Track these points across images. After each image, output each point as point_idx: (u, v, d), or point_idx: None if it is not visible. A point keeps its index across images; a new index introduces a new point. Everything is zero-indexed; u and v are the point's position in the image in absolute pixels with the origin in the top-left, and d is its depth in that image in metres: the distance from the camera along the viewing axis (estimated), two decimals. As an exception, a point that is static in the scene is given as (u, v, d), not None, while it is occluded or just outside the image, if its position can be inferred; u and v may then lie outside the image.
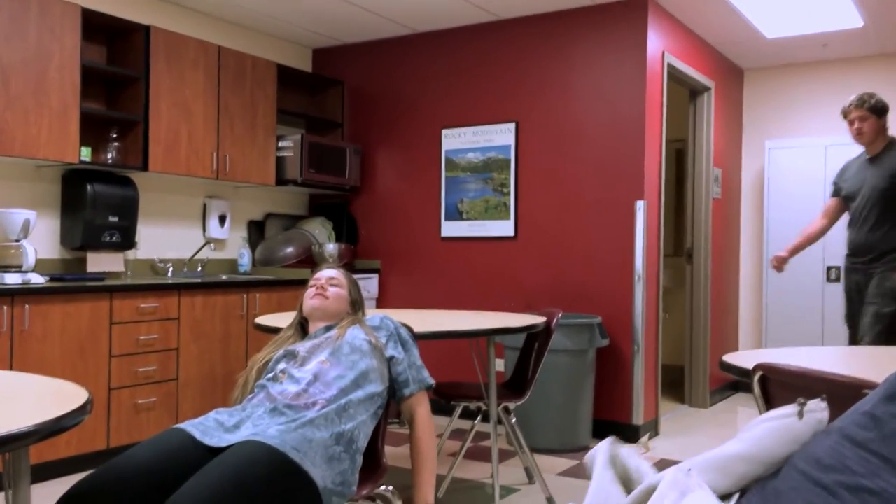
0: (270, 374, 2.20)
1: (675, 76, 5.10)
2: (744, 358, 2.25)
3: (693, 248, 5.68)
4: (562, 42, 4.86)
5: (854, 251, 4.03)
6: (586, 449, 4.25)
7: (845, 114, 3.98)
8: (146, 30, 4.34)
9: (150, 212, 4.73)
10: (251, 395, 2.18)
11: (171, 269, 4.76)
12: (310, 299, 2.43)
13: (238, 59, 4.86)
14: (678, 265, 6.61)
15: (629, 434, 4.56)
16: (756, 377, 1.78)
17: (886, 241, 3.87)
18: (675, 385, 6.06)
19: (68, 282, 3.86)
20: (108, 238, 4.26)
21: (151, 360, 4.06)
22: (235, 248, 5.28)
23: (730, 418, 5.43)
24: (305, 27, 5.32)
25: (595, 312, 4.71)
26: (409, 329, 2.45)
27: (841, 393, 1.56)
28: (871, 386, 1.48)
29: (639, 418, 4.59)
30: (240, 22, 5.20)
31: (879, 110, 3.90)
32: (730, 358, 2.23)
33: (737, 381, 6.27)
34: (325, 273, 2.51)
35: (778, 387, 1.75)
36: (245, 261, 5.17)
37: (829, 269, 5.59)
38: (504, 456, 4.16)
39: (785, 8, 4.80)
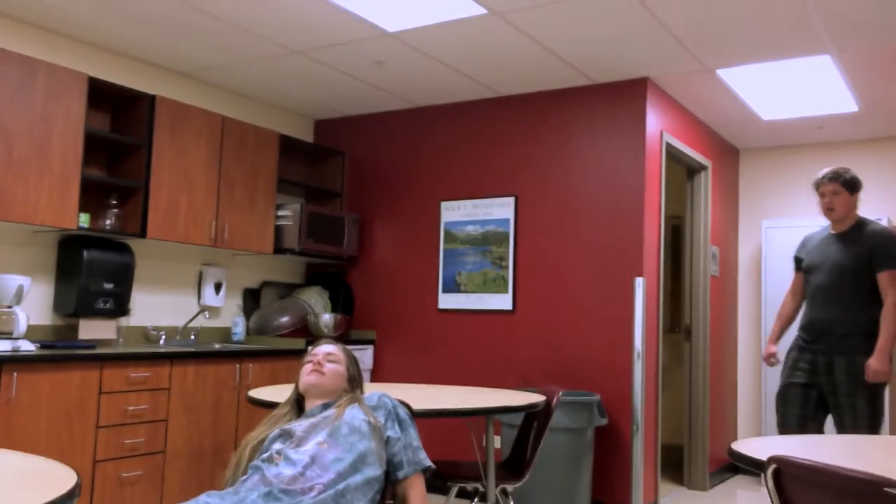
0: (265, 455, 2.13)
1: (672, 155, 5.16)
2: (754, 447, 2.19)
3: (692, 326, 5.64)
4: (562, 119, 4.93)
5: (811, 330, 3.84)
6: (584, 533, 4.11)
7: (817, 186, 3.88)
8: (151, 99, 4.38)
9: (145, 278, 4.69)
10: (244, 477, 2.10)
11: (163, 336, 4.69)
12: (306, 375, 2.37)
13: (241, 128, 4.90)
14: (675, 342, 6.56)
15: (628, 517, 4.43)
16: (769, 470, 1.72)
17: (848, 323, 3.72)
18: (673, 465, 5.93)
19: (59, 349, 3.78)
20: (102, 305, 4.20)
21: (139, 431, 3.95)
22: (230, 316, 5.22)
23: (725, 501, 5.29)
24: (308, 99, 5.39)
25: (593, 390, 4.64)
26: (408, 407, 2.38)
27: (860, 490, 1.51)
28: (893, 484, 1.43)
29: (638, 500, 4.47)
30: (244, 92, 5.27)
31: (852, 186, 3.82)
32: (740, 446, 2.17)
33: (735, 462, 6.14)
34: (323, 348, 2.46)
35: (792, 481, 1.69)
36: (239, 329, 5.10)
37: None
38: (499, 539, 4.02)
39: (782, 91, 4.90)
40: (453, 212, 5.24)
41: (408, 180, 5.49)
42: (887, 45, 4.05)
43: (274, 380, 4.69)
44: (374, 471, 2.12)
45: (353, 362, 2.47)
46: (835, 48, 4.11)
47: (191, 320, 4.92)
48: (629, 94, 4.72)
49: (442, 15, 3.81)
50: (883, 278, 3.69)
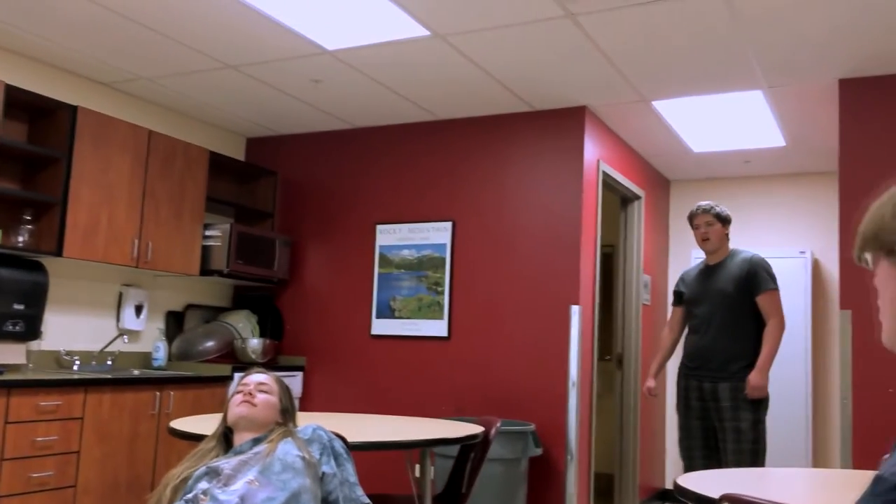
0: (189, 495, 1.97)
1: (608, 184, 5.19)
2: (698, 481, 2.15)
3: (623, 354, 5.66)
4: (501, 145, 4.90)
5: (697, 357, 4.00)
6: (518, 567, 4.02)
7: (692, 218, 4.09)
8: (73, 110, 4.15)
9: (59, 299, 4.41)
10: (166, 520, 1.93)
11: (77, 362, 4.41)
12: (236, 406, 2.22)
13: (169, 143, 4.69)
14: (605, 370, 6.58)
15: (562, 549, 4.36)
16: (723, 509, 1.67)
17: (732, 349, 3.88)
18: (603, 493, 5.91)
19: (-40, 375, 3.50)
20: (11, 327, 3.92)
21: (48, 464, 3.68)
22: (150, 340, 4.96)
23: (660, 531, 5.29)
24: (240, 116, 5.22)
25: (528, 419, 4.58)
26: (343, 440, 2.26)
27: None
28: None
29: (571, 532, 4.41)
30: (173, 106, 5.06)
31: (724, 219, 4.04)
32: (685, 482, 2.12)
33: (665, 491, 6.17)
34: (254, 378, 2.31)
35: (746, 520, 1.64)
36: (160, 354, 4.85)
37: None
38: (432, 574, 3.88)
39: (712, 125, 5.00)
40: (389, 235, 5.14)
41: (342, 202, 5.36)
42: (816, 84, 4.17)
43: (197, 409, 4.46)
44: (309, 511, 1.99)
45: (285, 393, 2.33)
46: (766, 84, 4.21)
47: (108, 344, 4.65)
48: (568, 122, 4.73)
49: (384, 35, 3.73)
50: (763, 300, 3.88)
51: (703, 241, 4.05)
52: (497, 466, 4.15)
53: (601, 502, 5.77)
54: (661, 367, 4.31)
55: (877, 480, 0.78)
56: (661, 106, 4.67)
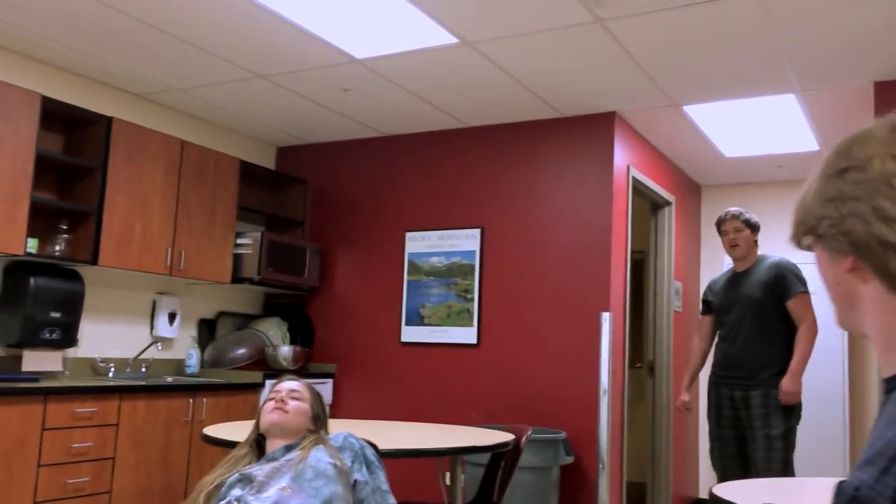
0: (223, 502, 1.98)
1: (637, 189, 5.15)
2: (736, 491, 2.11)
3: (655, 361, 5.60)
4: (529, 151, 4.89)
5: (727, 365, 3.94)
6: (550, 576, 3.99)
7: (720, 224, 4.03)
8: (108, 121, 4.22)
9: (94, 307, 4.48)
10: (200, 526, 1.95)
11: (112, 369, 4.47)
12: (268, 413, 2.24)
13: (200, 153, 4.75)
14: (635, 377, 6.52)
15: (594, 559, 4.32)
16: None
17: (763, 356, 3.81)
18: (635, 502, 5.85)
19: (-1, 382, 3.56)
20: (48, 335, 3.99)
21: (84, 470, 3.73)
22: (184, 347, 5.02)
23: (694, 541, 5.22)
24: (271, 125, 5.27)
25: (558, 426, 4.55)
26: (375, 448, 2.26)
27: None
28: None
29: (604, 542, 4.37)
30: (204, 117, 5.13)
31: (753, 225, 3.98)
32: (722, 492, 2.09)
33: (698, 500, 6.09)
34: (286, 385, 2.33)
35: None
36: (193, 362, 4.90)
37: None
38: (463, 583, 3.87)
39: (744, 129, 4.94)
40: (418, 243, 5.15)
41: (372, 210, 5.39)
42: (850, 87, 4.10)
43: (229, 415, 4.50)
44: (341, 518, 1.99)
45: (317, 400, 2.34)
46: (800, 88, 4.15)
47: (142, 352, 4.71)
48: (597, 127, 4.71)
49: (413, 43, 3.74)
50: (793, 304, 3.80)
51: (731, 247, 3.99)
52: (528, 475, 4.12)
53: (633, 511, 5.70)
54: (694, 378, 4.25)
55: (837, 491, 0.74)
56: (691, 110, 4.62)
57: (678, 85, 4.18)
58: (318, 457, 2.07)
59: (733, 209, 4.01)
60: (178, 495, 4.20)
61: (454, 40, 3.67)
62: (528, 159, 4.90)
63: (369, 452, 2.19)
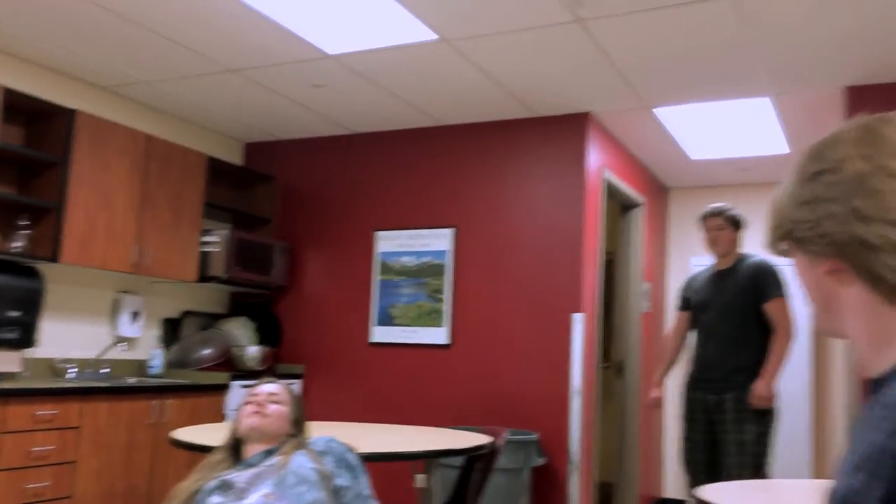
0: (202, 510, 1.91)
1: (610, 191, 5.16)
2: (718, 494, 2.11)
3: (624, 362, 5.63)
4: (503, 151, 4.87)
5: (701, 367, 3.86)
6: (523, 578, 3.97)
7: (703, 220, 3.90)
8: (71, 113, 4.08)
9: (54, 306, 4.33)
10: (178, 535, 1.87)
11: (74, 370, 4.32)
12: (247, 417, 2.17)
13: (167, 149, 4.63)
14: (604, 377, 6.55)
15: (565, 560, 4.31)
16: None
17: (737, 358, 3.73)
18: (603, 502, 5.87)
19: (-45, 383, 3.42)
20: (6, 334, 3.84)
21: (44, 474, 3.60)
22: (147, 348, 4.89)
23: (661, 541, 5.25)
24: (239, 120, 5.16)
25: (529, 427, 4.53)
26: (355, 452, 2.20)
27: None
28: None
29: (575, 543, 4.36)
30: (170, 111, 5.00)
31: (737, 223, 3.87)
32: (706, 495, 2.08)
33: (663, 500, 6.14)
34: (265, 388, 2.26)
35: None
36: (157, 362, 4.77)
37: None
38: (435, 586, 3.82)
39: (712, 132, 4.98)
40: (389, 242, 5.09)
41: (342, 208, 5.31)
42: (822, 91, 4.16)
43: (195, 418, 4.39)
44: (324, 525, 1.93)
45: (297, 403, 2.27)
46: (773, 91, 4.19)
47: (104, 352, 4.57)
48: (571, 128, 4.70)
49: (390, 39, 3.69)
50: (770, 307, 3.72)
51: (711, 244, 3.88)
52: (500, 476, 4.09)
53: (601, 512, 5.72)
54: (665, 375, 4.16)
55: (829, 498, 0.73)
56: (661, 113, 4.65)
57: (653, 86, 4.19)
58: (300, 462, 2.00)
59: (718, 205, 3.88)
60: (142, 499, 4.08)
61: (434, 36, 3.63)
62: (501, 159, 4.87)
63: (351, 457, 2.13)
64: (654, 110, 4.59)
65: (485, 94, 4.42)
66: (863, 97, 4.03)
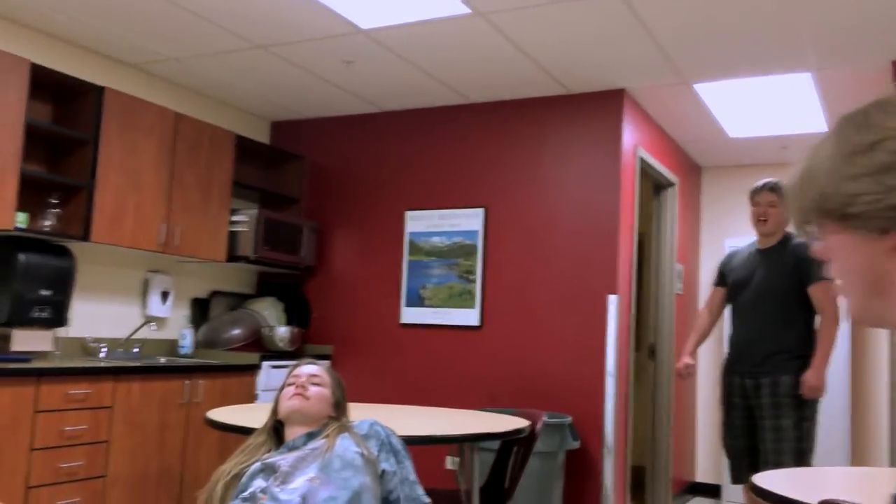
0: (246, 494, 1.86)
1: (644, 170, 5.05)
2: (777, 480, 2.03)
3: (657, 345, 5.53)
4: (535, 129, 4.76)
5: (738, 351, 3.72)
6: (557, 562, 3.92)
7: (753, 195, 3.74)
8: (100, 91, 4.03)
9: (85, 285, 4.31)
10: (222, 520, 1.82)
11: (104, 349, 4.31)
12: (288, 400, 2.11)
13: (196, 127, 4.58)
14: (637, 361, 6.46)
15: (599, 544, 4.26)
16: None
17: (776, 341, 3.59)
18: (634, 486, 5.80)
19: (-11, 362, 3.40)
20: (38, 313, 3.82)
21: (78, 454, 3.59)
22: (176, 327, 4.86)
23: (694, 525, 5.19)
24: (267, 98, 5.09)
25: (562, 410, 4.46)
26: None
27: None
28: None
29: (608, 527, 4.30)
30: (197, 88, 4.94)
31: None
32: (764, 482, 2.00)
33: (695, 484, 6.06)
34: (306, 369, 2.20)
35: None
36: (187, 342, 4.75)
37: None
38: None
39: (751, 109, 4.84)
40: (419, 222, 5.01)
41: (371, 188, 5.24)
42: (867, 66, 4.01)
43: (226, 398, 4.37)
44: (370, 511, 1.87)
45: (338, 385, 2.22)
46: (816, 66, 4.06)
47: (135, 331, 4.55)
48: (605, 105, 4.59)
49: (423, 13, 3.59)
50: (815, 291, 3.55)
51: (758, 220, 3.70)
52: (534, 460, 4.03)
53: (633, 496, 5.66)
54: (698, 344, 3.98)
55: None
56: (701, 89, 4.52)
57: (692, 61, 4.06)
58: (345, 446, 1.95)
59: (772, 179, 3.71)
60: (175, 479, 4.07)
61: (467, 10, 3.53)
62: (533, 137, 4.77)
63: (395, 441, 2.08)
64: (695, 86, 4.47)
65: (518, 71, 4.31)
66: (913, 72, 3.88)
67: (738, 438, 3.73)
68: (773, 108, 4.82)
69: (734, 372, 3.74)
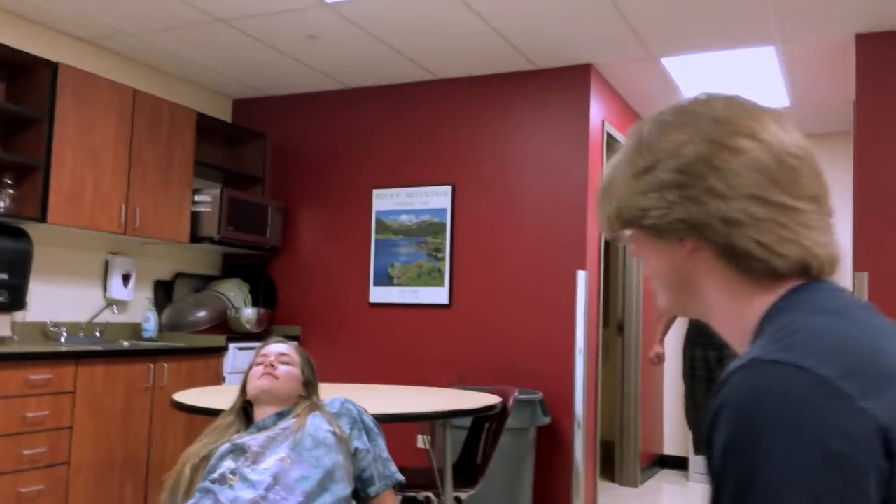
0: (215, 475, 1.81)
1: (612, 145, 5.04)
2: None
3: (624, 321, 5.57)
4: (503, 105, 4.72)
5: (700, 322, 3.80)
6: (529, 537, 3.94)
7: None
8: (54, 67, 3.90)
9: (43, 268, 4.19)
10: (191, 502, 1.78)
11: (65, 333, 4.20)
12: (256, 379, 2.06)
13: (155, 104, 4.45)
14: (605, 337, 6.51)
15: (570, 518, 4.28)
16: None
17: None
18: (604, 461, 5.85)
19: (-57, 349, 3.29)
20: (-6, 298, 3.70)
21: (40, 440, 3.49)
22: (139, 310, 4.76)
23: (659, 498, 5.25)
24: (228, 75, 4.98)
25: (532, 387, 4.47)
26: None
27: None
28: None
29: (579, 501, 4.33)
30: (155, 65, 4.81)
31: None
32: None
33: (663, 457, 6.14)
34: (274, 348, 2.15)
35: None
36: (150, 325, 4.65)
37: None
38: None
39: (716, 84, 4.86)
40: (386, 200, 4.96)
41: (337, 166, 5.16)
42: (831, 38, 4.03)
43: (192, 381, 4.29)
44: (344, 489, 1.84)
45: (307, 364, 2.18)
46: (780, 39, 4.07)
47: (96, 315, 4.44)
48: (573, 81, 4.56)
49: (388, -15, 3.52)
50: None
51: None
52: (505, 436, 4.02)
53: (603, 470, 5.71)
54: (667, 330, 4.12)
55: None
56: (668, 63, 4.51)
57: (659, 35, 4.05)
58: (316, 424, 1.91)
59: None
60: (141, 465, 3.99)
61: (433, -17, 3.46)
62: (501, 114, 4.73)
63: (367, 419, 2.04)
64: (662, 60, 4.46)
65: (485, 45, 4.26)
66: (875, 45, 3.91)
67: (701, 410, 3.79)
68: (738, 83, 4.84)
69: (696, 344, 3.81)
